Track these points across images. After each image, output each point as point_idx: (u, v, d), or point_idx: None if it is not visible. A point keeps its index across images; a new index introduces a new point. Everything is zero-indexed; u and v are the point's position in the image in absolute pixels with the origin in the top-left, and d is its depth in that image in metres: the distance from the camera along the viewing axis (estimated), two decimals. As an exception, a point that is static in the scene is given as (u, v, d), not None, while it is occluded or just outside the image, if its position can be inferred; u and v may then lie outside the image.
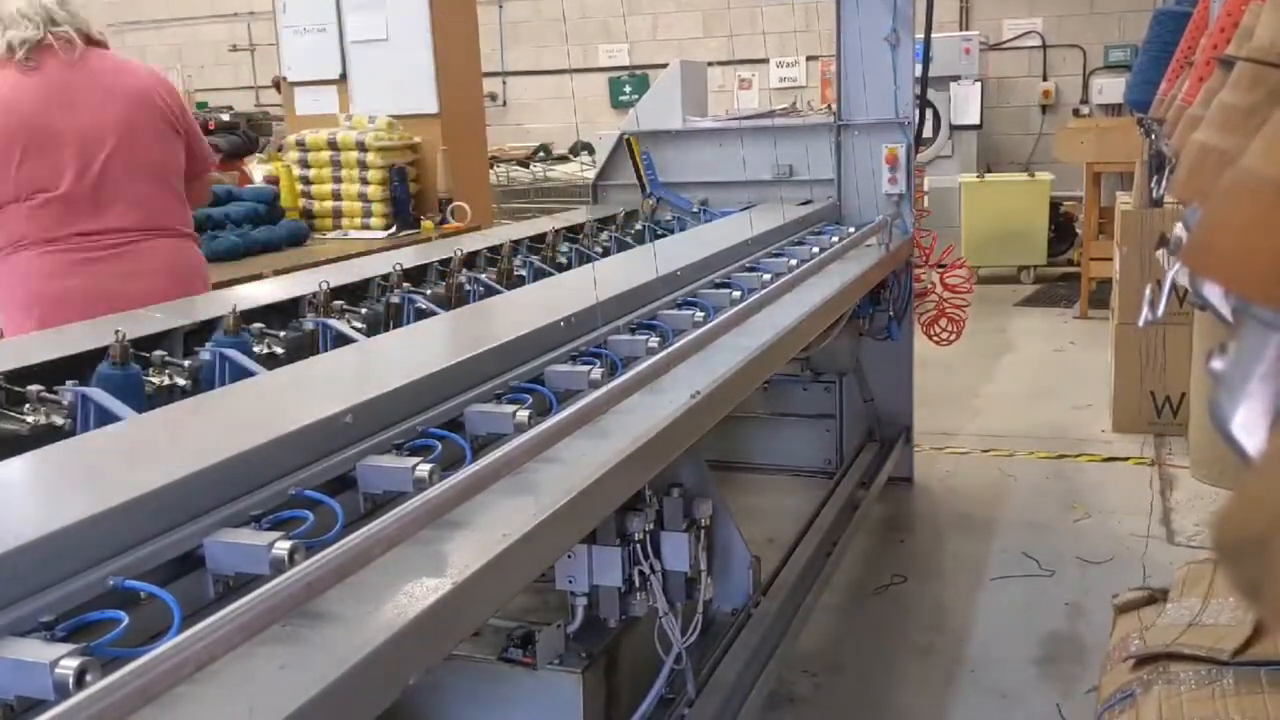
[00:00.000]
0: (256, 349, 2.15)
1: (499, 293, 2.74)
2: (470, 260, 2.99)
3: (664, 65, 4.84)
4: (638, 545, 2.02)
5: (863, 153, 4.18)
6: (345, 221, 5.00)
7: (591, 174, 4.86)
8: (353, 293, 2.62)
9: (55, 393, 1.77)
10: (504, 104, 11.69)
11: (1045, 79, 10.05)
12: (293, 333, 2.31)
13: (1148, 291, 1.68)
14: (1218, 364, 0.65)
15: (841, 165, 4.22)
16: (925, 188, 4.91)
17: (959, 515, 4.21)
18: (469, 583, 1.18)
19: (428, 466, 1.40)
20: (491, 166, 7.62)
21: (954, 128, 9.04)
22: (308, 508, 1.30)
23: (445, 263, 2.85)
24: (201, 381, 2.02)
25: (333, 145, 4.98)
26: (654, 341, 2.10)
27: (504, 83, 11.58)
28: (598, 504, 1.54)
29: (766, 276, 2.78)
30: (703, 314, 2.33)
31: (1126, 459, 4.70)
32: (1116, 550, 3.75)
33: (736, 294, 2.55)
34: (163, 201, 2.93)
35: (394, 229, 4.92)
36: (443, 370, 1.71)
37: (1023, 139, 10.11)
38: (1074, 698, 2.86)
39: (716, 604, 2.44)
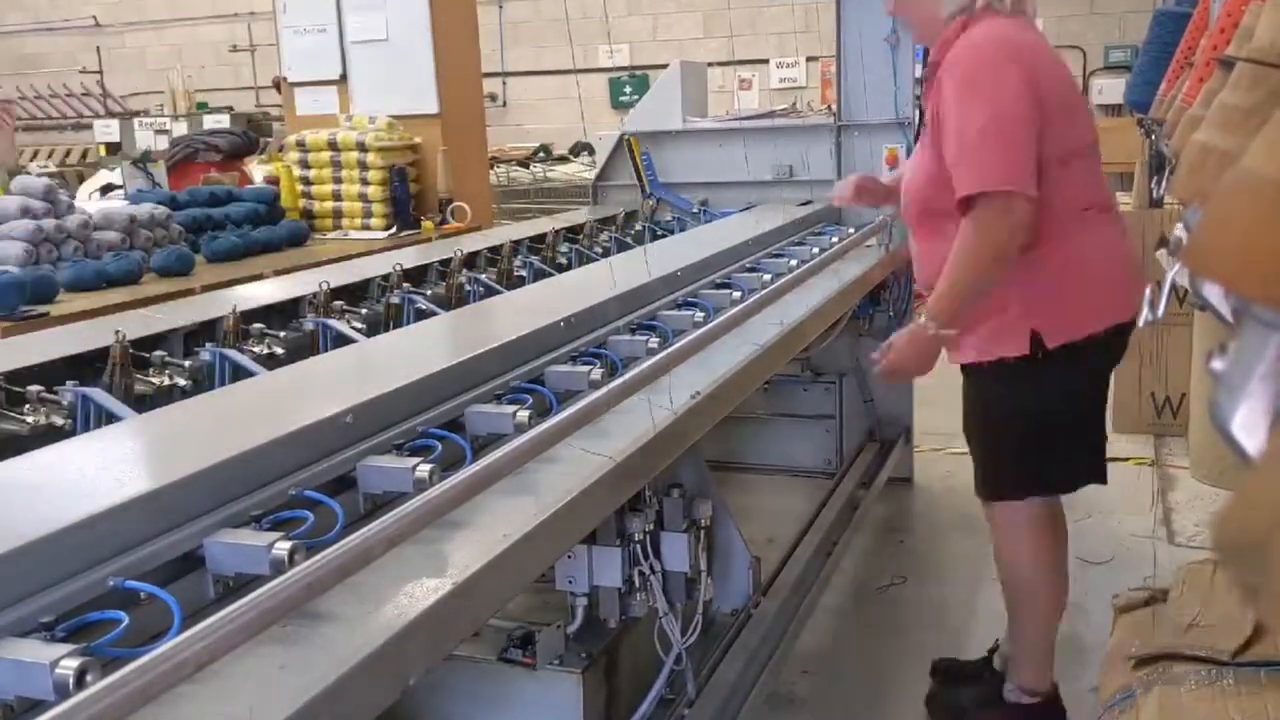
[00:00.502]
0: (257, 349, 2.16)
1: (499, 293, 2.74)
2: (470, 261, 2.99)
3: (664, 66, 4.84)
4: (638, 546, 2.02)
5: (863, 153, 4.19)
6: (345, 222, 4.99)
7: (591, 174, 4.86)
8: (353, 293, 2.63)
9: (55, 393, 1.77)
10: (504, 104, 11.70)
11: (1045, 79, 10.05)
12: (293, 333, 2.31)
13: (1148, 292, 1.68)
14: (1218, 364, 0.65)
15: (842, 165, 4.22)
16: (925, 188, 4.90)
17: (959, 515, 4.20)
18: (469, 583, 1.18)
19: (428, 467, 1.40)
20: (492, 167, 7.63)
21: (954, 128, 9.02)
22: (308, 508, 1.30)
23: (445, 263, 2.85)
24: (201, 382, 2.02)
25: (333, 146, 4.98)
26: (654, 342, 2.10)
27: (504, 83, 11.59)
28: (598, 504, 1.54)
29: (767, 277, 2.78)
30: (703, 314, 2.33)
31: (1127, 459, 4.70)
32: (1117, 550, 3.75)
33: (737, 294, 2.55)
34: None
35: (394, 229, 4.92)
36: (443, 370, 1.71)
37: (1023, 139, 10.10)
38: (1074, 698, 2.86)
39: (716, 604, 2.44)
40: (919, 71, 4.21)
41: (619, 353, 2.07)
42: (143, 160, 6.22)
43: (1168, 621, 2.09)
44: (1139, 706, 1.83)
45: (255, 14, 12.04)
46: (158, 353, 2.01)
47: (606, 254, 3.50)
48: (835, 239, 3.52)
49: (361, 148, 5.01)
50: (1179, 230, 1.47)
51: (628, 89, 11.03)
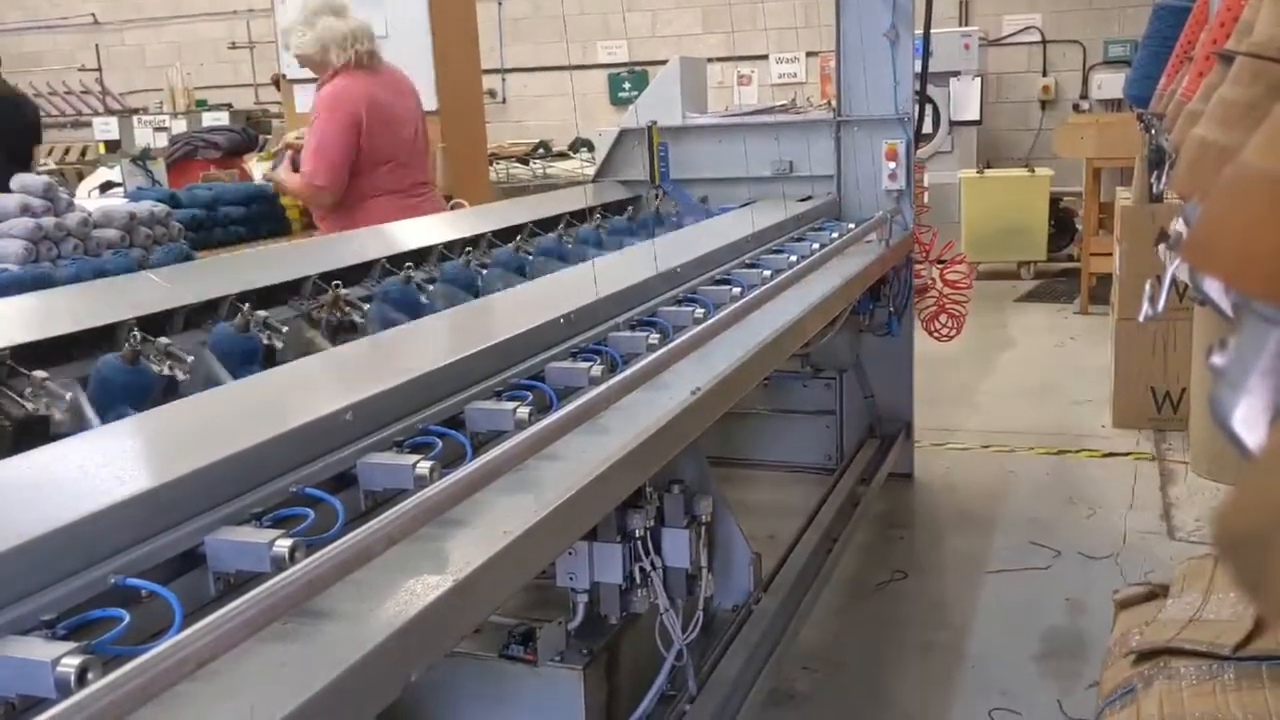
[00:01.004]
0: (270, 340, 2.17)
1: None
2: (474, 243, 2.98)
3: (663, 62, 4.84)
4: (638, 542, 2.02)
5: (863, 149, 4.18)
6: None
7: (591, 170, 4.85)
8: (354, 278, 2.62)
9: (56, 382, 1.78)
10: (503, 101, 11.68)
11: (1045, 74, 10.04)
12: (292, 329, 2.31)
13: (1148, 287, 1.68)
14: (1218, 359, 0.65)
15: (841, 161, 4.22)
16: (925, 183, 4.90)
17: (959, 511, 4.21)
18: (470, 580, 1.18)
19: (428, 464, 1.40)
20: (491, 163, 7.62)
21: (954, 123, 9.03)
22: (308, 505, 1.30)
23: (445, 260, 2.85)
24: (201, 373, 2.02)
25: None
26: (654, 338, 2.10)
27: (503, 79, 11.57)
28: (598, 501, 1.54)
29: (767, 273, 2.77)
30: (703, 310, 2.33)
31: (1127, 454, 4.70)
32: (1117, 545, 3.75)
33: (737, 290, 2.55)
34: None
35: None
36: (443, 367, 1.71)
37: (1022, 134, 10.10)
38: (1075, 693, 2.86)
39: (717, 601, 2.44)
40: (919, 67, 4.21)
41: (619, 349, 2.07)
42: (142, 158, 6.21)
43: (1168, 616, 2.09)
44: (1139, 701, 1.83)
45: (254, 11, 12.02)
46: (161, 340, 2.00)
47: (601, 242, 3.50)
48: (835, 235, 3.52)
49: (361, 145, 4.99)
50: (1179, 225, 1.47)
51: (627, 85, 11.01)
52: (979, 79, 9.11)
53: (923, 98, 4.29)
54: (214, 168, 5.84)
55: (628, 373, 1.81)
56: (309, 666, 0.99)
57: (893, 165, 4.12)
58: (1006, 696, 2.89)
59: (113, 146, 9.42)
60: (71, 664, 0.94)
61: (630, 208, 4.28)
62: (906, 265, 4.19)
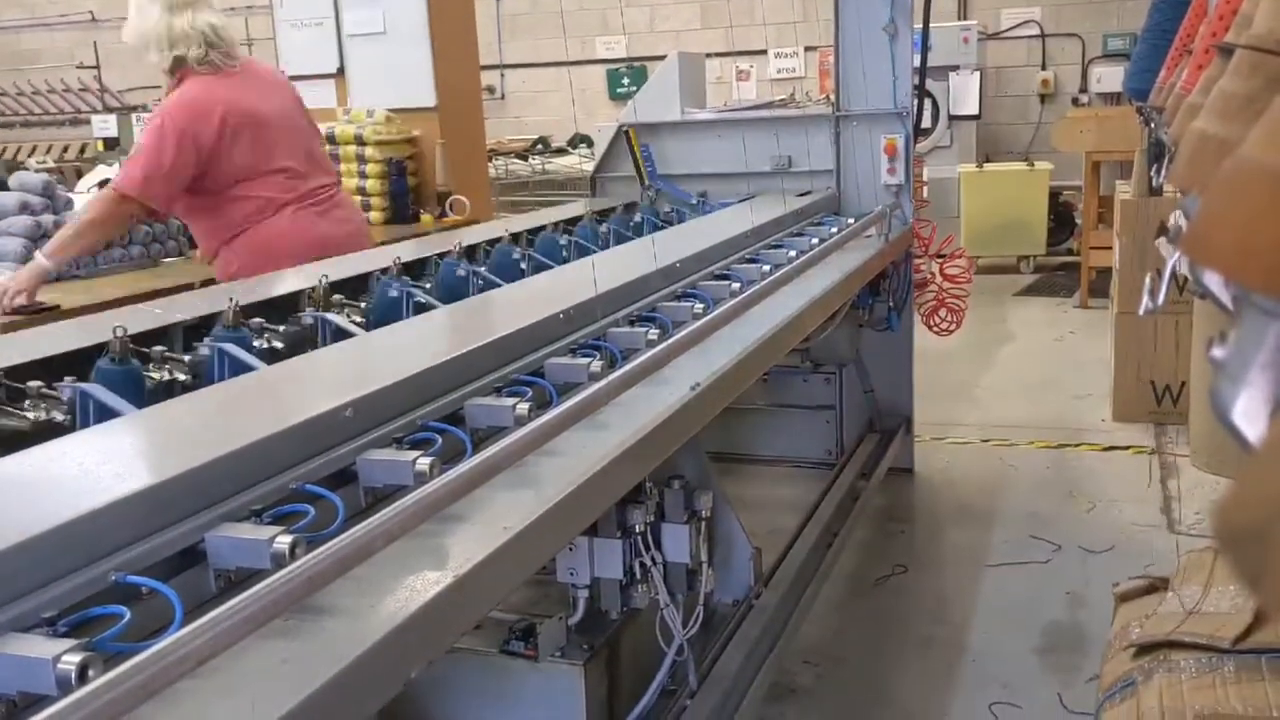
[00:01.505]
0: (256, 344, 2.15)
1: (498, 285, 2.73)
2: (469, 253, 2.98)
3: (662, 57, 4.83)
4: (639, 537, 2.02)
5: (862, 143, 4.18)
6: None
7: (590, 166, 4.85)
8: (352, 287, 2.62)
9: (55, 389, 1.77)
10: (502, 97, 11.67)
11: (1044, 68, 10.03)
12: (292, 327, 2.31)
13: (1148, 280, 1.68)
14: (1218, 352, 0.65)
15: (840, 156, 4.22)
16: (924, 178, 4.90)
17: (959, 505, 4.21)
18: (470, 576, 1.18)
19: (428, 460, 1.40)
20: (490, 159, 7.61)
21: (953, 118, 9.03)
22: (309, 502, 1.30)
23: (444, 256, 2.85)
24: (202, 377, 2.02)
25: (331, 139, 4.97)
26: (654, 334, 2.10)
27: (502, 75, 11.56)
28: (598, 496, 1.54)
29: (766, 268, 2.77)
30: (702, 306, 2.33)
31: (1127, 448, 4.70)
32: (1117, 539, 3.76)
33: (736, 285, 2.55)
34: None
35: (392, 222, 4.92)
36: (442, 364, 1.71)
37: (1022, 128, 10.10)
38: (1075, 687, 2.86)
39: (718, 596, 2.44)
40: (918, 61, 4.21)
41: (619, 344, 2.07)
42: (141, 155, 6.19)
43: (1168, 610, 2.09)
44: (1139, 694, 1.83)
45: (253, 8, 11.99)
46: (157, 348, 2.00)
47: (605, 246, 3.50)
48: (834, 229, 3.52)
49: (359, 141, 5.01)
50: (1178, 218, 1.47)
51: (625, 80, 11.00)
52: (978, 73, 9.11)
53: (921, 92, 4.29)
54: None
55: (627, 368, 1.81)
56: (310, 663, 0.99)
57: (892, 160, 4.12)
58: (1007, 690, 2.90)
59: (111, 144, 9.40)
60: (72, 661, 0.94)
61: (625, 209, 4.27)
62: (906, 260, 4.19)
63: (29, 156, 10.43)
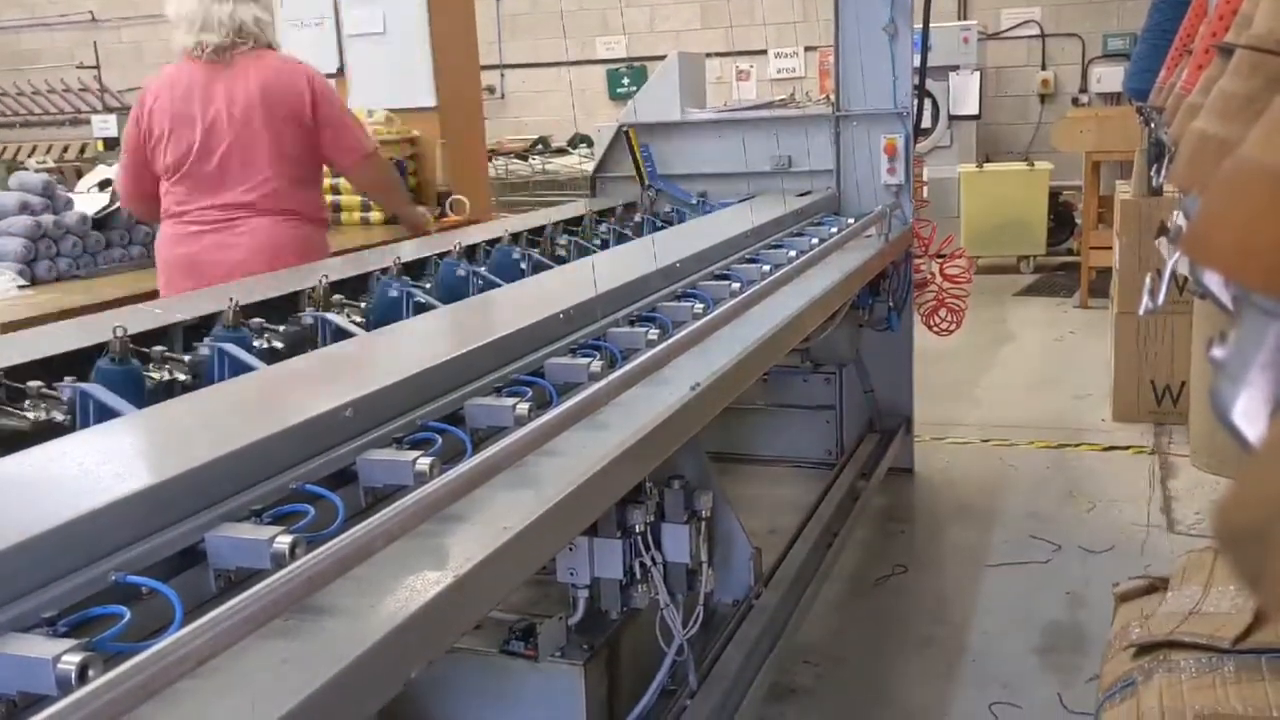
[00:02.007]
0: (256, 344, 2.15)
1: (498, 285, 2.73)
2: (469, 253, 2.98)
3: (662, 57, 4.83)
4: (639, 537, 2.02)
5: (861, 143, 4.18)
6: (344, 215, 4.99)
7: (590, 166, 4.85)
8: (352, 287, 2.62)
9: (54, 389, 1.77)
10: (502, 97, 11.67)
11: (1044, 68, 10.03)
12: (292, 327, 2.31)
13: (1148, 280, 1.68)
14: (1218, 352, 0.65)
15: (840, 156, 4.22)
16: (924, 178, 4.90)
17: (959, 505, 4.21)
18: (470, 576, 1.18)
19: (428, 460, 1.40)
20: (490, 159, 7.61)
21: (953, 118, 9.03)
22: (309, 502, 1.30)
23: (444, 256, 2.85)
24: (201, 377, 2.02)
25: (331, 139, 4.96)
26: (654, 334, 2.10)
27: (502, 75, 11.55)
28: (598, 496, 1.54)
29: (766, 268, 2.77)
30: (702, 306, 2.33)
31: (1127, 448, 4.70)
32: (1117, 539, 3.76)
33: (736, 285, 2.55)
34: (277, 184, 3.31)
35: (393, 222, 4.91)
36: (442, 364, 1.71)
37: (1022, 128, 10.10)
38: (1075, 687, 2.86)
39: (718, 595, 2.44)
40: (918, 61, 4.21)
41: (619, 344, 2.07)
42: (140, 155, 6.19)
43: (1168, 610, 2.09)
44: (1139, 695, 1.83)
45: (252, 8, 12.02)
46: (157, 348, 2.00)
47: (605, 246, 3.50)
48: (834, 230, 3.52)
49: (359, 141, 4.98)
50: (1178, 218, 1.47)
51: (625, 80, 10.99)
52: (978, 73, 9.10)
53: (921, 92, 4.29)
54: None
55: (627, 368, 1.81)
56: (310, 663, 0.99)
57: (892, 160, 4.12)
58: (1007, 690, 2.90)
59: (111, 144, 9.41)
60: (72, 661, 0.94)
61: (624, 209, 4.27)
62: (906, 260, 4.19)
63: (29, 156, 10.44)
